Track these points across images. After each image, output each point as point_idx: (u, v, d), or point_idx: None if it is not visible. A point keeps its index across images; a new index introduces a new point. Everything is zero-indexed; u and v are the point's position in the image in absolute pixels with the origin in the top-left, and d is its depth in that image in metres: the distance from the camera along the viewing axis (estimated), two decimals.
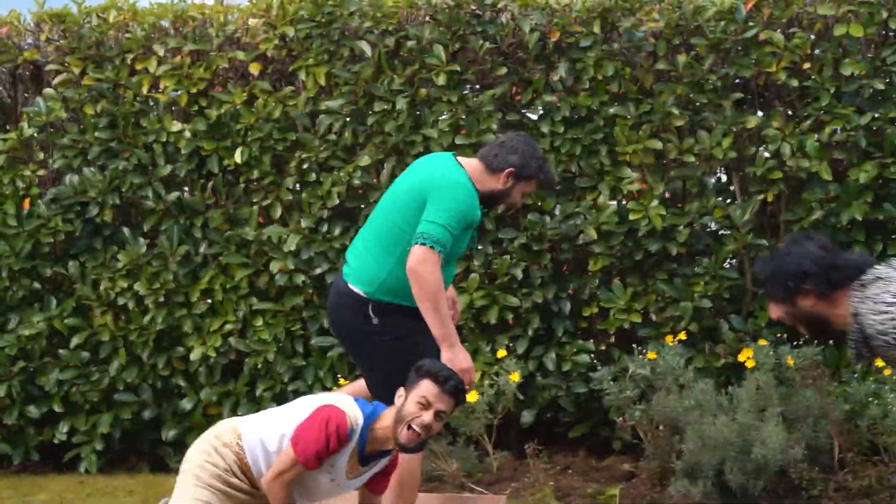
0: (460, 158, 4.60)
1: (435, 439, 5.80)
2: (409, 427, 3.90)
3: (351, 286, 4.51)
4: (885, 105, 5.89)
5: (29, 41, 6.74)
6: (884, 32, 5.98)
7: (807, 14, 5.96)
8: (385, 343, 4.48)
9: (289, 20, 6.24)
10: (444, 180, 4.44)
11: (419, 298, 4.33)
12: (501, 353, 6.08)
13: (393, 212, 4.53)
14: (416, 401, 3.92)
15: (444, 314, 4.37)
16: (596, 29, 6.00)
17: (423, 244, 4.29)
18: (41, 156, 6.58)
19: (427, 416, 3.91)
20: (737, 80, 6.08)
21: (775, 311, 3.78)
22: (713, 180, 6.23)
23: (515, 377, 5.88)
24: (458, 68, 6.11)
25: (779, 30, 5.94)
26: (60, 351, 6.50)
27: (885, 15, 5.84)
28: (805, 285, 3.68)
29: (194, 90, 6.36)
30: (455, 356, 4.37)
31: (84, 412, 6.57)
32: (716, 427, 5.47)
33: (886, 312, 3.59)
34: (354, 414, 3.94)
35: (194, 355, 6.36)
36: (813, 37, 5.95)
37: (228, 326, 6.36)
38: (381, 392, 4.41)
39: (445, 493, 5.23)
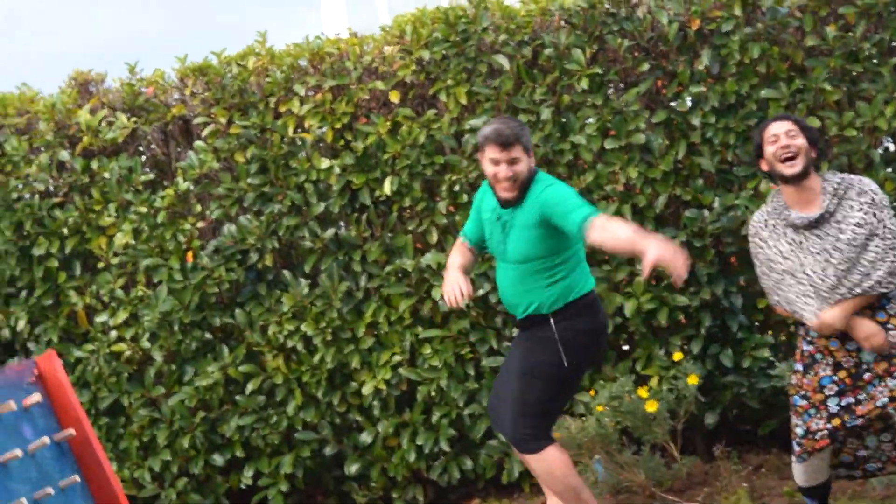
0: None
1: (619, 450, 5.66)
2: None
3: None
4: None
5: (175, 97, 6.87)
6: None
7: None
8: None
9: (423, 44, 6.21)
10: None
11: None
12: (677, 355, 5.89)
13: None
14: None
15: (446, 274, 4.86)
16: (737, 11, 5.79)
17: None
18: (199, 208, 6.68)
19: None
20: (893, 45, 5.79)
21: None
22: (880, 152, 5.93)
23: (694, 380, 5.68)
24: (600, 70, 5.98)
25: None
26: (237, 398, 6.57)
27: None
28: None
29: (338, 125, 6.37)
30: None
31: (266, 455, 6.63)
32: None
33: None
34: None
35: (366, 389, 6.35)
36: None
37: (396, 357, 6.33)
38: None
39: None
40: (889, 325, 4.53)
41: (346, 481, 6.64)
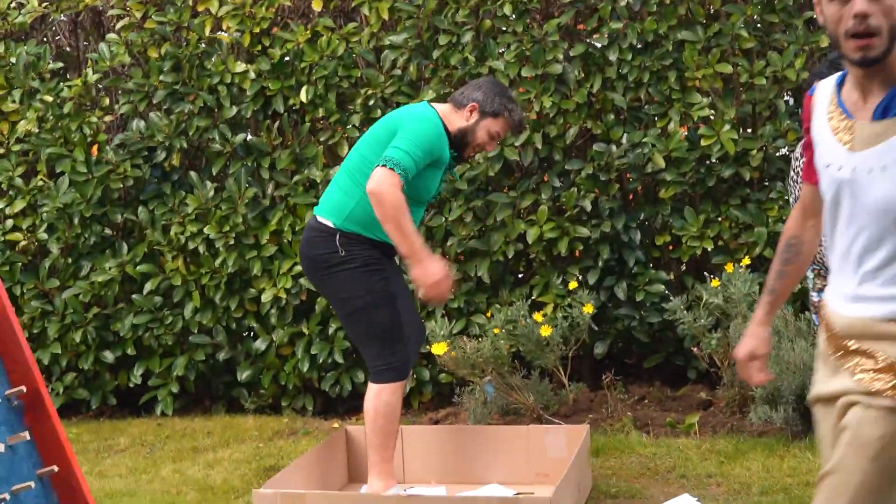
0: (434, 104, 4.77)
1: (510, 373, 5.79)
2: (847, 34, 2.56)
3: (321, 219, 4.63)
4: None
5: None
6: None
7: None
8: (352, 272, 4.59)
9: None
10: (412, 114, 4.62)
11: (382, 219, 4.38)
12: (573, 284, 6.04)
13: (363, 148, 4.67)
14: None
15: (409, 232, 4.39)
16: None
17: (384, 166, 4.36)
18: (106, 102, 6.58)
19: (853, 4, 2.56)
20: None
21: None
22: (785, 101, 6.11)
23: (589, 309, 5.83)
24: None
25: None
26: (134, 296, 6.54)
27: None
28: None
29: (257, 30, 6.32)
30: (425, 270, 4.44)
31: (158, 356, 6.62)
32: (795, 352, 5.41)
33: None
34: None
35: (266, 297, 6.37)
36: None
37: (298, 267, 6.34)
38: (358, 326, 4.65)
39: (528, 426, 5.21)
40: None
41: (236, 387, 6.67)
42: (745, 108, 6.07)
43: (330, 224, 4.60)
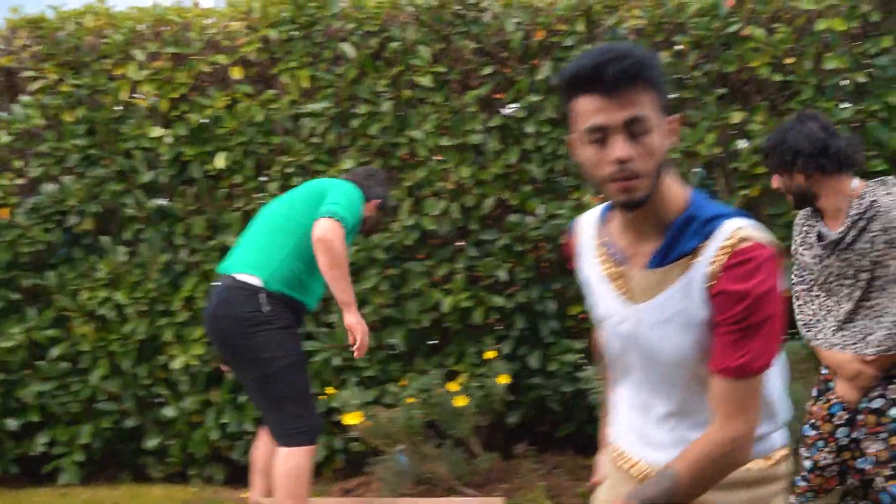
0: None
1: (424, 442, 5.75)
2: (607, 178, 2.27)
3: (241, 277, 4.61)
4: (867, 98, 5.93)
5: (2, 47, 6.65)
6: (864, 25, 6.02)
7: (789, 9, 6.00)
8: (276, 332, 4.58)
9: (270, 23, 6.21)
10: (343, 184, 4.76)
11: (329, 266, 4.48)
12: (489, 353, 6.05)
13: (285, 210, 4.74)
14: (583, 139, 2.29)
15: (349, 280, 4.57)
16: (580, 27, 6.01)
17: (332, 217, 4.49)
18: (19, 164, 6.49)
19: (612, 147, 2.25)
20: (720, 76, 6.11)
21: (775, 181, 3.94)
22: (697, 176, 6.24)
23: (503, 379, 5.84)
24: (443, 69, 6.10)
25: (761, 25, 5.99)
26: (40, 362, 6.39)
27: (865, 8, 5.90)
28: (797, 161, 3.82)
29: (175, 95, 6.30)
30: (359, 321, 4.60)
31: (64, 423, 6.46)
32: None
33: None
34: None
35: (176, 364, 6.27)
36: (795, 31, 5.99)
37: None
38: (274, 388, 4.58)
39: (442, 497, 5.17)
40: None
41: (143, 455, 6.53)
42: None
43: (254, 282, 4.57)
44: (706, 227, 2.29)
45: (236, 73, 6.26)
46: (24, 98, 6.45)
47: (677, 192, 2.34)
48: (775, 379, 2.44)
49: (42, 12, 6.56)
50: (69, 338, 6.42)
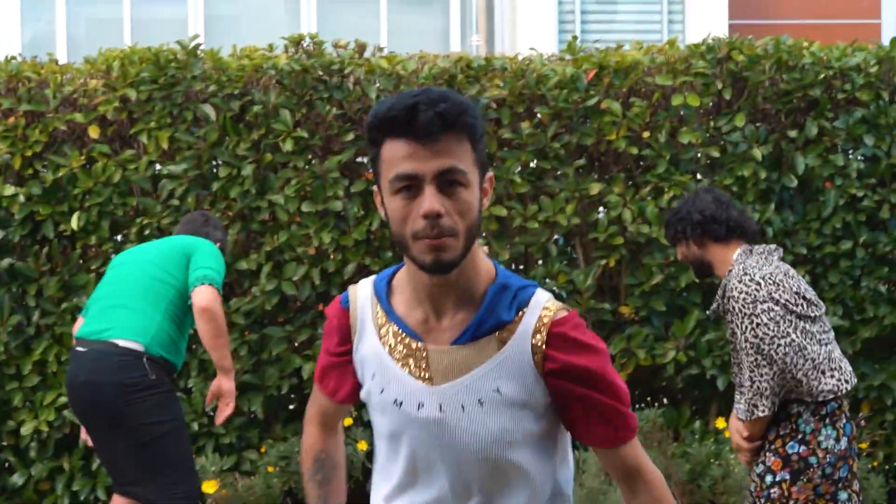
0: None
1: None
2: (415, 235, 2.04)
3: (122, 342, 4.54)
4: (720, 172, 6.10)
5: None
6: (717, 102, 6.20)
7: (645, 84, 6.15)
8: (161, 396, 4.56)
9: (129, 82, 6.10)
10: (205, 243, 4.78)
11: (214, 335, 4.53)
12: (348, 420, 6.01)
13: (152, 271, 4.68)
14: (390, 188, 2.06)
15: (230, 348, 4.72)
16: None
17: (210, 284, 4.50)
18: None
19: (422, 199, 2.03)
20: (579, 147, 6.21)
21: (679, 252, 4.17)
22: (556, 246, 6.32)
23: (363, 445, 5.81)
24: (305, 134, 6.07)
25: (619, 99, 6.11)
26: None
27: (719, 86, 6.07)
28: (687, 230, 4.07)
29: (29, 153, 6.12)
30: (231, 385, 4.68)
31: None
32: None
33: (747, 286, 3.86)
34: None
35: (25, 429, 6.08)
36: (651, 106, 6.13)
37: (63, 399, 6.10)
38: (159, 452, 4.53)
39: None
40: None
41: None
42: (518, 248, 6.24)
43: (136, 347, 4.51)
44: (519, 297, 2.12)
45: (93, 132, 6.13)
46: None
47: (483, 258, 2.15)
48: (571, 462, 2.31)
49: None
50: None
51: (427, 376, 2.12)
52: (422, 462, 2.18)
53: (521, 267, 6.35)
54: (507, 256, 6.08)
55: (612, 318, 6.23)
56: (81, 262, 6.25)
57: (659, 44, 6.45)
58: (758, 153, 6.04)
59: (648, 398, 6.27)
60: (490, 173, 2.14)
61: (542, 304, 2.12)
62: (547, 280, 6.13)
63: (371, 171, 1.89)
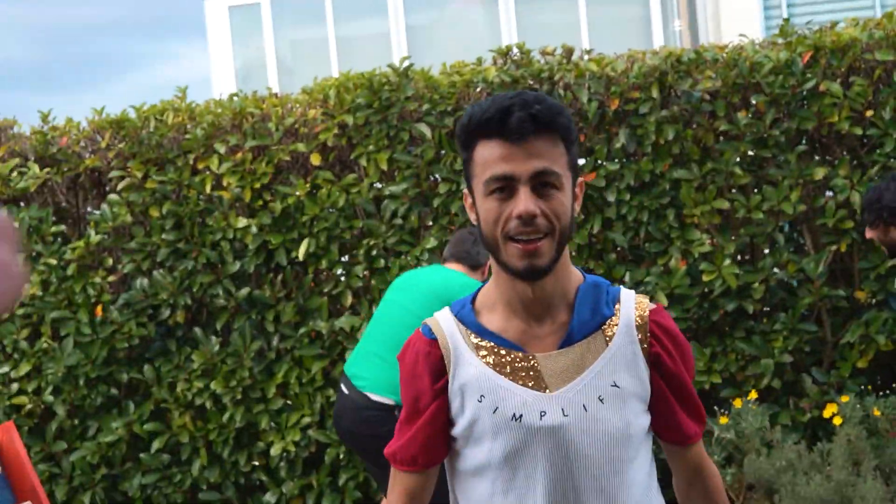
0: (453, 268, 5.04)
1: None
2: (508, 236, 2.05)
3: (375, 397, 4.71)
4: None
5: (82, 145, 6.79)
6: None
7: (864, 61, 5.94)
8: None
9: (346, 109, 6.28)
10: (461, 285, 4.74)
11: None
12: None
13: (409, 320, 4.71)
14: (484, 189, 2.07)
15: None
16: (654, 93, 5.98)
17: None
18: (110, 262, 6.61)
19: (517, 200, 2.04)
20: (799, 132, 6.05)
21: (869, 233, 4.24)
22: (783, 235, 6.17)
23: None
24: None
25: (838, 79, 5.92)
26: (141, 455, 6.50)
27: None
28: (886, 216, 4.18)
29: (257, 185, 6.39)
30: None
31: None
32: (811, 486, 5.38)
33: None
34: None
35: (274, 450, 6.34)
36: (872, 84, 5.92)
37: (306, 419, 6.33)
38: None
39: None
40: None
41: None
42: (743, 240, 6.13)
43: (389, 402, 4.69)
44: (611, 293, 2.17)
45: (315, 160, 6.33)
46: (112, 197, 6.57)
47: (570, 262, 2.16)
48: None
49: (124, 111, 6.69)
50: (168, 430, 6.51)
51: (542, 385, 2.10)
52: (541, 470, 2.11)
53: (748, 258, 6.24)
54: (731, 249, 5.97)
55: (847, 305, 6.04)
56: (314, 285, 6.46)
57: (874, 18, 6.22)
58: None
59: (894, 384, 6.05)
60: (581, 178, 2.15)
61: (633, 297, 2.18)
62: (776, 270, 5.99)
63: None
